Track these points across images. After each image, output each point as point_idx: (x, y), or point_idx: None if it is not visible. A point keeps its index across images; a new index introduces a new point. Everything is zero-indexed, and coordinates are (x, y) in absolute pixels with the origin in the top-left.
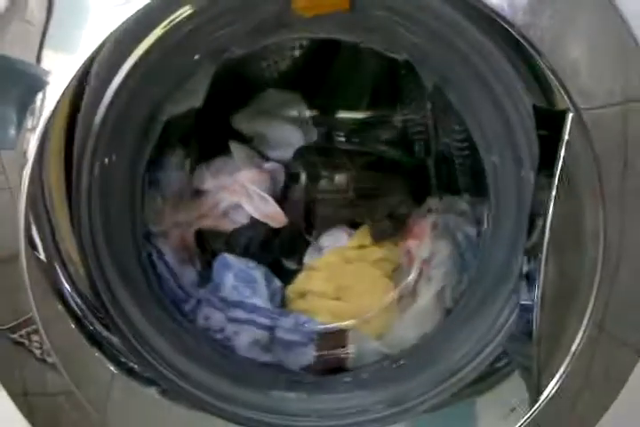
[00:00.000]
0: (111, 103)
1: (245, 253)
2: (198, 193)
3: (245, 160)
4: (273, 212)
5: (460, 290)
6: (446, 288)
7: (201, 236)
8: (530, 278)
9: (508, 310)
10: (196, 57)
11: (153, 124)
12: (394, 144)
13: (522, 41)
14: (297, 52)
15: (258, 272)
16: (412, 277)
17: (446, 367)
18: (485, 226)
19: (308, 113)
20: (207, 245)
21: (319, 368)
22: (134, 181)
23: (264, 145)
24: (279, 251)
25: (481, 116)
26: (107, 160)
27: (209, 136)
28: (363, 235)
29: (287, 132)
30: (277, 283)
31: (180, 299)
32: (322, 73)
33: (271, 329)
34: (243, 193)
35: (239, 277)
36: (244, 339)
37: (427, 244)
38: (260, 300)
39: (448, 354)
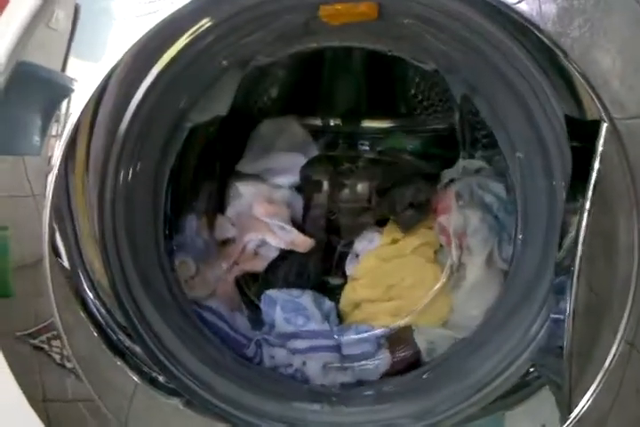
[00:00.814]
0: (136, 112)
1: (286, 283)
2: (223, 244)
3: (257, 196)
4: (297, 238)
5: (506, 250)
6: (492, 253)
7: (239, 282)
8: (561, 292)
9: (539, 322)
10: (223, 63)
11: (177, 133)
12: (418, 154)
13: (553, 49)
14: (280, 73)
15: (305, 299)
16: (453, 253)
17: (474, 381)
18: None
19: (304, 131)
20: (247, 289)
21: (400, 368)
22: (157, 195)
23: (270, 176)
24: (317, 271)
25: (511, 126)
26: (131, 169)
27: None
28: (391, 230)
29: (289, 159)
30: (328, 302)
31: (240, 345)
32: (312, 87)
33: (338, 349)
34: (265, 228)
35: (287, 309)
36: (315, 366)
37: (455, 215)
38: (316, 324)
39: (476, 367)
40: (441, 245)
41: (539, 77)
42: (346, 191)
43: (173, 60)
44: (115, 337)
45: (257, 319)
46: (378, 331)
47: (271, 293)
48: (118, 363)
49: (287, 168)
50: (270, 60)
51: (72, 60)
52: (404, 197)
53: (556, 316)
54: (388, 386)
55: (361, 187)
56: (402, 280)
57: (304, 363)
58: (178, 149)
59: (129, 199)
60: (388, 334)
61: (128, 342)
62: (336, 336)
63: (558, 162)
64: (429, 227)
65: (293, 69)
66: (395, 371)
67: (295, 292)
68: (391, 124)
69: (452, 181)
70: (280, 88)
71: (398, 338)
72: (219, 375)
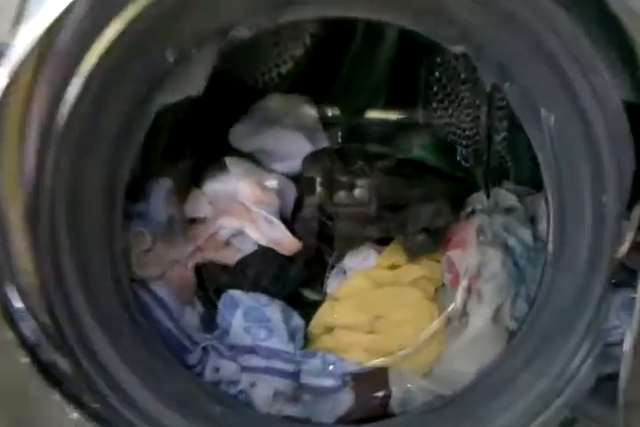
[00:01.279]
0: (83, 90)
1: (255, 287)
2: (193, 222)
3: (246, 177)
4: (282, 237)
5: (520, 308)
6: (504, 306)
7: (200, 271)
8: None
9: (581, 355)
10: (194, 35)
11: (138, 120)
12: (431, 149)
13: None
14: (298, 52)
15: (272, 309)
16: (459, 295)
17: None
18: (542, 225)
19: (316, 116)
20: (208, 282)
21: (358, 417)
22: (112, 203)
23: (267, 159)
24: (296, 281)
25: (552, 121)
26: (75, 167)
27: (201, 156)
28: (394, 252)
29: (293, 142)
30: (297, 319)
31: (182, 348)
32: (329, 72)
33: (295, 376)
34: (245, 217)
35: (250, 317)
36: (264, 391)
37: (472, 252)
38: (278, 342)
39: (500, 409)
40: (443, 284)
41: (591, 52)
42: (349, 195)
43: (131, 23)
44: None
45: (210, 321)
46: (347, 366)
47: (235, 294)
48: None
49: (289, 152)
50: (252, 33)
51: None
52: (420, 218)
53: (611, 349)
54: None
55: (367, 193)
56: (391, 313)
57: (253, 384)
58: (138, 144)
59: (73, 206)
60: (359, 372)
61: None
62: (298, 360)
63: (612, 167)
64: (436, 260)
65: (314, 49)
66: (352, 418)
67: (263, 299)
68: (399, 117)
69: (473, 212)
70: (294, 66)
71: (369, 379)
72: (184, 417)
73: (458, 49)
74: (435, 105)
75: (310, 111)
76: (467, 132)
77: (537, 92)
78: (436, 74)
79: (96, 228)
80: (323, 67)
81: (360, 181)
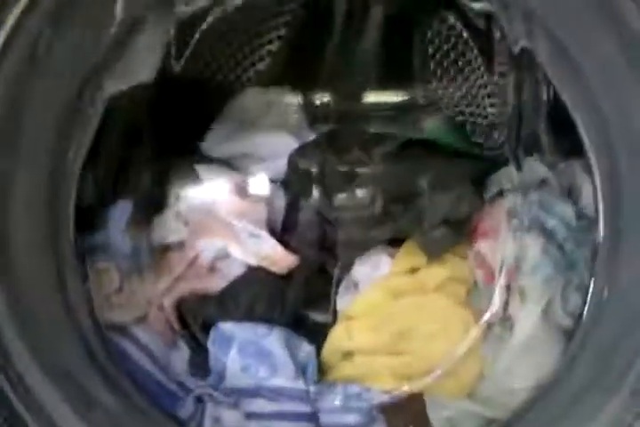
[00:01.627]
0: None
1: (249, 316)
2: (165, 251)
3: (224, 187)
4: (274, 252)
5: (573, 299)
6: (553, 301)
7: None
8: None
9: None
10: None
11: (79, 115)
12: (439, 127)
13: None
14: (273, 46)
15: (272, 340)
16: (497, 296)
17: None
18: (585, 198)
19: (299, 112)
20: (191, 318)
21: None
22: (55, 228)
23: (248, 163)
24: (296, 303)
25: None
26: None
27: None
28: (410, 253)
29: (277, 142)
30: (306, 347)
31: (174, 398)
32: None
33: (313, 417)
34: (229, 234)
35: (247, 353)
36: None
37: (507, 241)
38: (286, 378)
39: None
40: (475, 285)
41: None
42: (348, 192)
43: None
44: None
45: (200, 364)
46: (375, 396)
47: (226, 327)
48: None
49: (273, 153)
50: (192, 10)
51: None
52: (438, 209)
53: None
54: None
55: (371, 187)
56: (418, 327)
57: None
58: (84, 145)
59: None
60: (389, 401)
61: None
62: (314, 398)
63: None
64: (462, 256)
65: (292, 32)
66: None
67: (261, 329)
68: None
69: (500, 193)
70: (272, 61)
71: (402, 410)
72: None
73: (479, 5)
74: (434, 84)
75: (290, 104)
76: (482, 106)
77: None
78: (432, 48)
79: (35, 264)
80: (305, 56)
81: (360, 170)
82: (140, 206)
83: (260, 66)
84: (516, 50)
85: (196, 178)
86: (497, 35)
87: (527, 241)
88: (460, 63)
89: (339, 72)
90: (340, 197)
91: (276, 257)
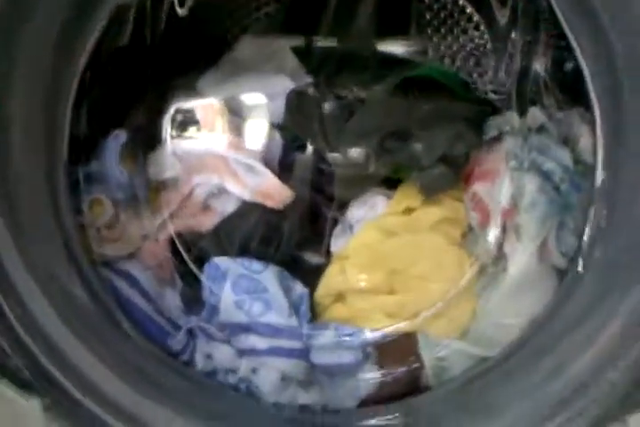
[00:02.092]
0: None
1: (244, 252)
2: (159, 188)
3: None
4: (270, 186)
5: (567, 241)
6: (548, 239)
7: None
8: None
9: None
10: None
11: (78, 32)
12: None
13: None
14: None
15: (267, 276)
16: (492, 235)
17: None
18: (583, 143)
19: (296, 58)
20: (186, 251)
21: (385, 395)
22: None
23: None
24: (291, 240)
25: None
26: None
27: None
28: (406, 193)
29: (275, 83)
30: (300, 288)
31: (165, 335)
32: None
33: (304, 354)
34: (224, 168)
35: (241, 288)
36: (269, 377)
37: (504, 182)
38: (279, 315)
39: (556, 368)
40: (470, 228)
41: None
42: (346, 130)
43: None
44: None
45: (195, 299)
46: (367, 335)
47: (221, 261)
48: None
49: (270, 94)
50: None
51: None
52: (436, 146)
53: None
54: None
55: (370, 126)
56: (412, 265)
57: (254, 370)
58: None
59: None
60: (381, 341)
61: None
62: (305, 335)
63: None
64: (458, 199)
65: None
66: (378, 398)
67: (256, 265)
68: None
69: (498, 137)
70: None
71: (394, 348)
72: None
73: None
74: (436, 39)
75: (287, 52)
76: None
77: None
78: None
79: (32, 193)
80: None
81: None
82: (135, 140)
83: (261, 14)
84: None
85: (191, 115)
86: None
87: (524, 180)
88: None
89: (340, 18)
90: (338, 136)
91: (272, 190)
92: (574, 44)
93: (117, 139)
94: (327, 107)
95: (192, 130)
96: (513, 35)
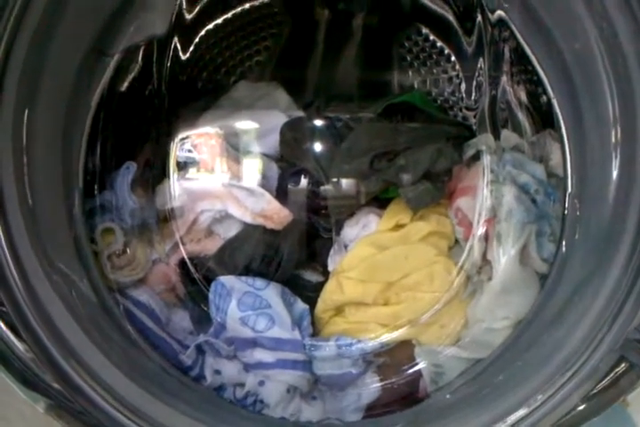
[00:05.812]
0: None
1: (247, 272)
2: (169, 214)
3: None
4: (270, 208)
5: (547, 248)
6: (528, 245)
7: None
8: None
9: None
10: None
11: (94, 69)
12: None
13: None
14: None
15: (270, 293)
16: (476, 246)
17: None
18: (554, 160)
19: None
20: (195, 270)
21: (390, 401)
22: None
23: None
24: (291, 259)
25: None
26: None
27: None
28: (396, 211)
29: (270, 119)
30: (301, 305)
31: (175, 354)
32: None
33: (308, 366)
34: (226, 195)
35: (246, 305)
36: (275, 389)
37: (484, 194)
38: (283, 329)
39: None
40: (457, 242)
41: None
42: (339, 153)
43: None
44: None
45: (205, 319)
46: (365, 345)
47: (225, 280)
48: None
49: (266, 130)
50: None
51: None
52: (419, 163)
53: None
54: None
55: (360, 149)
56: (404, 277)
57: (261, 383)
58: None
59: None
60: (379, 350)
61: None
62: (309, 347)
63: None
64: (444, 214)
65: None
66: (379, 409)
67: (259, 282)
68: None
69: (476, 156)
70: (263, 53)
71: (392, 357)
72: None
73: None
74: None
75: (282, 94)
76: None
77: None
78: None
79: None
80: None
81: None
82: (145, 172)
83: (253, 62)
84: (493, 19)
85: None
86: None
87: (502, 192)
88: (434, 69)
89: (324, 79)
90: (331, 161)
91: (272, 212)
92: (541, 73)
93: (129, 169)
94: (319, 135)
95: (192, 171)
96: (480, 64)
